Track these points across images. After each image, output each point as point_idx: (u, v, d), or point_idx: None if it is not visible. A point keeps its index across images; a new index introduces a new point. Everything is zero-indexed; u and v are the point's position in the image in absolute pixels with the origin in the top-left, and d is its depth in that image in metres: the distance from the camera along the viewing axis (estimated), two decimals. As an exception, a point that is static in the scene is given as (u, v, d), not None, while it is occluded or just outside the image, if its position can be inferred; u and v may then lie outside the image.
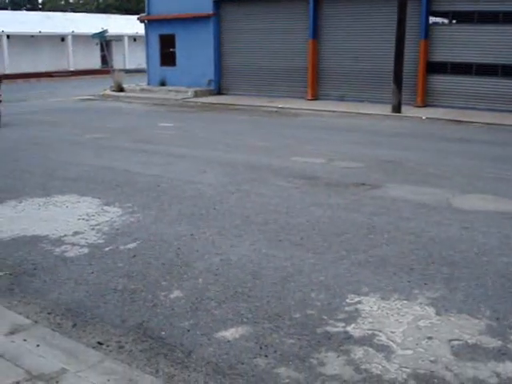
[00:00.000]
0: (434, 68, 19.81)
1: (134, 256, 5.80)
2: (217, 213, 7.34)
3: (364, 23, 20.95)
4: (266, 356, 3.95)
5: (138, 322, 4.46)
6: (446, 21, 19.97)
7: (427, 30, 19.59)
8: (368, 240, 6.27)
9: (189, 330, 4.31)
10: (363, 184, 8.92)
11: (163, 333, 4.29)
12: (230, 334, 4.26)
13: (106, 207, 7.63)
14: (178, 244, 6.13)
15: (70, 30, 46.31)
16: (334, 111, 19.17)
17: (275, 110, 20.06)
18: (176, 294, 4.93)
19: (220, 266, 5.50)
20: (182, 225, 6.84)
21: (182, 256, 5.79)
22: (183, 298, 4.84)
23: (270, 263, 5.58)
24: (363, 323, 4.38)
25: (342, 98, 21.46)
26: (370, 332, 4.24)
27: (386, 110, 18.53)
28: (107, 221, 7.02)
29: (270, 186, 8.88)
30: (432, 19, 19.68)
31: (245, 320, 4.45)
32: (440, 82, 19.78)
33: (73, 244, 6.21)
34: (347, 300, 4.77)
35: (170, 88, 25.56)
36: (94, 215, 7.26)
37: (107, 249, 6.04)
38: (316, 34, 22.04)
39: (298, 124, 17.09)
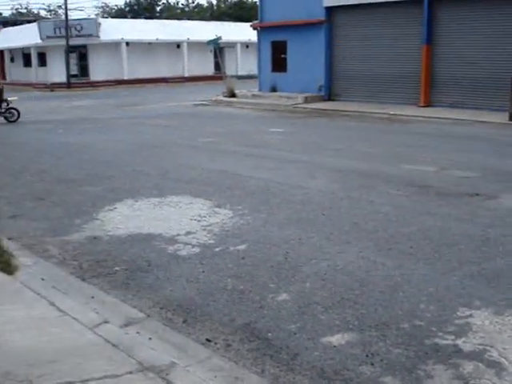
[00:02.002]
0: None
1: (243, 257, 5.92)
2: (325, 218, 7.34)
3: (483, 28, 20.15)
4: (372, 364, 3.91)
5: (246, 322, 4.54)
6: None
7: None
8: (481, 252, 6.04)
9: (295, 333, 4.35)
10: (477, 194, 8.60)
11: (270, 334, 4.35)
12: (335, 339, 4.25)
13: (217, 209, 7.84)
14: (287, 247, 6.19)
15: (185, 38, 47.86)
16: (447, 118, 18.59)
17: (386, 116, 19.75)
18: (283, 296, 4.98)
19: (327, 272, 5.50)
20: (291, 229, 6.90)
21: (290, 259, 5.84)
22: (290, 301, 4.88)
23: (378, 271, 5.51)
24: (474, 338, 4.23)
25: (455, 105, 20.77)
26: (480, 347, 4.09)
27: (503, 118, 17.73)
28: (218, 222, 7.20)
29: (379, 193, 8.77)
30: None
31: (351, 327, 4.43)
32: None
33: (185, 243, 6.42)
34: (458, 313, 4.62)
35: (281, 94, 25.79)
36: (205, 216, 7.48)
37: (217, 249, 6.20)
38: (430, 39, 21.48)
39: (410, 131, 16.72)
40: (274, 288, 5.15)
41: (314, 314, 4.64)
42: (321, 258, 5.88)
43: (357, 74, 24.15)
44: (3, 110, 19.81)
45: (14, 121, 19.66)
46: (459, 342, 4.16)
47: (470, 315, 4.57)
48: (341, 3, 23.90)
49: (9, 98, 19.99)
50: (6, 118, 19.71)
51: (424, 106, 21.59)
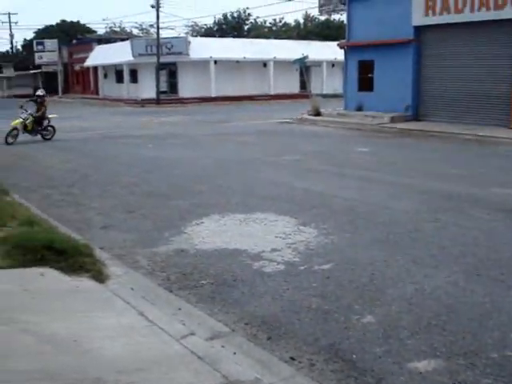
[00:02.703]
0: None
1: (328, 277, 5.90)
2: (412, 241, 7.22)
3: None
4: (461, 393, 3.80)
5: (330, 343, 4.52)
6: None
7: None
8: None
9: (380, 357, 4.29)
10: None
11: (354, 356, 4.32)
12: (422, 365, 4.17)
13: (302, 227, 7.85)
14: (372, 269, 6.12)
15: (272, 56, 48.36)
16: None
17: (474, 137, 19.17)
18: (368, 318, 4.92)
19: (414, 296, 5.40)
20: (376, 250, 6.82)
21: (376, 281, 5.77)
22: (375, 324, 4.82)
23: (466, 298, 5.36)
24: None
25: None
26: None
27: None
28: (303, 240, 7.22)
29: (467, 216, 8.53)
30: None
31: (438, 353, 4.33)
32: None
33: (270, 260, 6.47)
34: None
35: (367, 113, 25.57)
36: (290, 234, 7.51)
37: (302, 267, 6.21)
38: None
39: (499, 153, 16.20)
40: (359, 309, 5.11)
41: (400, 339, 4.56)
42: (407, 281, 5.78)
43: (444, 94, 23.66)
44: (42, 128, 19.69)
45: (49, 139, 19.61)
46: None
47: None
48: (430, 22, 23.53)
49: (49, 116, 19.94)
50: (42, 135, 19.63)
51: (516, 128, 20.83)
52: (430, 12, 23.38)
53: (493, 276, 5.93)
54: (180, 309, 5.11)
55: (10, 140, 18.55)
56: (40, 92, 20.14)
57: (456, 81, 23.10)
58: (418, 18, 23.86)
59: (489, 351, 4.34)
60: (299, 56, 33.17)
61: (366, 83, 26.70)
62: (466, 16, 22.13)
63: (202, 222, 8.20)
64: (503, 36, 21.35)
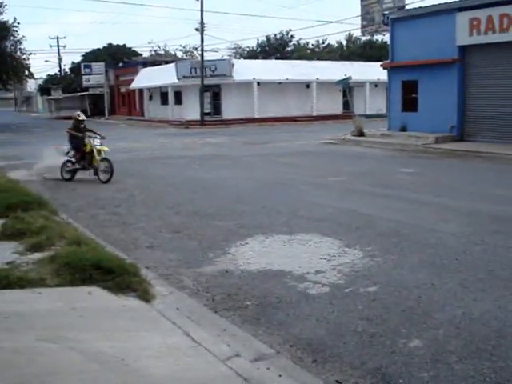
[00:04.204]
0: None
1: (374, 300, 5.84)
2: (459, 264, 7.09)
3: None
4: (512, 421, 3.71)
5: (377, 366, 4.47)
6: None
7: None
8: None
9: (427, 382, 4.23)
10: None
11: (401, 380, 4.26)
12: (471, 391, 4.09)
13: (346, 249, 7.81)
14: (419, 292, 6.04)
15: (315, 77, 48.50)
16: None
17: (522, 158, 18.82)
18: (415, 342, 4.85)
19: (462, 320, 5.30)
20: (423, 273, 6.73)
21: (423, 305, 5.69)
22: (422, 348, 4.75)
23: (516, 322, 5.24)
24: None
25: None
26: None
27: None
28: (348, 262, 7.17)
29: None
30: None
31: (488, 379, 4.24)
32: None
33: (314, 282, 6.45)
34: None
35: (411, 134, 25.36)
36: (335, 256, 7.47)
37: (347, 290, 6.17)
38: None
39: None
40: (405, 333, 5.04)
41: (448, 363, 4.48)
42: (455, 305, 5.68)
43: (490, 114, 23.32)
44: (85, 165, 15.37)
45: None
46: None
47: None
48: (475, 42, 23.30)
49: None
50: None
51: None
52: (475, 31, 23.18)
53: (544, 301, 5.79)
54: (225, 330, 5.13)
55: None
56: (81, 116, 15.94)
57: (501, 100, 22.78)
58: (463, 38, 23.66)
59: (540, 378, 4.23)
60: (342, 77, 33.24)
61: (409, 103, 26.53)
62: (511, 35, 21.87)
63: (247, 243, 8.23)
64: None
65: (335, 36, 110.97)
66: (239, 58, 64.93)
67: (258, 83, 47.13)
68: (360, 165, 18.26)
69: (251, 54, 71.88)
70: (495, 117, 23.10)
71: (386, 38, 28.26)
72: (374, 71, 41.80)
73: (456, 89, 24.28)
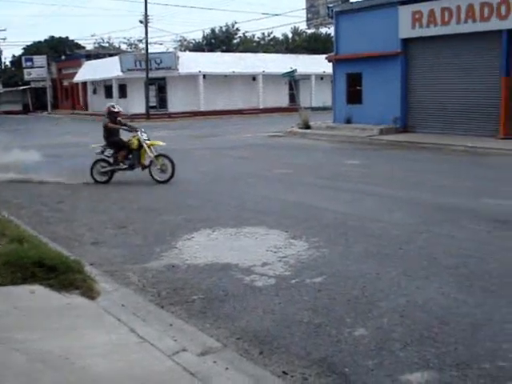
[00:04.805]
0: None
1: (320, 290, 5.89)
2: (403, 253, 7.22)
3: None
4: (454, 405, 3.80)
5: (322, 356, 4.51)
6: None
7: None
8: None
9: (372, 370, 4.28)
10: None
11: (346, 369, 4.30)
12: (414, 378, 4.16)
13: (293, 240, 7.85)
14: (364, 281, 6.12)
15: (261, 70, 48.63)
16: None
17: (463, 148, 19.30)
18: (360, 331, 4.91)
19: (406, 308, 5.40)
20: (368, 263, 6.82)
21: (367, 294, 5.76)
22: (367, 337, 4.81)
23: (458, 309, 5.36)
24: (562, 380, 4.05)
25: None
26: None
27: None
28: (294, 254, 7.21)
29: (459, 227, 8.55)
30: None
31: (431, 365, 4.32)
32: None
33: (261, 274, 6.45)
34: None
35: (356, 125, 25.71)
36: (281, 248, 7.50)
37: (293, 281, 6.20)
38: (509, 70, 20.99)
39: (489, 164, 16.30)
40: (350, 322, 5.10)
41: (392, 351, 4.55)
42: (399, 293, 5.78)
43: (433, 106, 23.84)
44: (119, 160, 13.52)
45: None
46: None
47: None
48: (417, 35, 23.76)
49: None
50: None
51: (503, 139, 21.00)
52: (417, 24, 23.63)
53: (484, 287, 5.94)
54: (171, 325, 5.08)
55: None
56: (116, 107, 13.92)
57: (444, 92, 23.31)
58: (405, 31, 24.09)
59: (481, 362, 4.34)
60: (288, 70, 33.39)
61: (354, 96, 26.88)
62: (453, 28, 22.39)
63: (193, 237, 8.18)
64: (489, 48, 21.58)
65: (281, 29, 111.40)
66: (185, 51, 64.42)
67: (204, 76, 46.99)
68: (307, 157, 18.40)
69: (197, 47, 71.42)
70: (437, 108, 23.62)
71: (331, 30, 28.54)
72: (319, 64, 42.18)
73: (399, 81, 24.72)
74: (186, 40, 75.92)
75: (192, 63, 46.37)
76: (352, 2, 28.78)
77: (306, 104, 42.05)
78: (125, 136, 13.87)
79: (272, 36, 76.10)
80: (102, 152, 13.56)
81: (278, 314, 5.32)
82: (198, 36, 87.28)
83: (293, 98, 42.61)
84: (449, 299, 5.60)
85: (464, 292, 5.79)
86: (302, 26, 62.44)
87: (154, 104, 47.08)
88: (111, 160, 13.54)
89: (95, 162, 13.62)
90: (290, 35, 75.52)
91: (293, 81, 33.57)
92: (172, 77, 46.75)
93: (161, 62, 46.04)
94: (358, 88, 26.67)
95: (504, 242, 7.75)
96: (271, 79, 48.06)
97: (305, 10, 43.27)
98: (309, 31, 66.64)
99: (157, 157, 13.12)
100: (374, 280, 6.18)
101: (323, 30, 63.69)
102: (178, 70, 46.16)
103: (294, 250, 7.36)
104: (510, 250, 7.33)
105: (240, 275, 6.45)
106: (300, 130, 27.47)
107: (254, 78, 49.76)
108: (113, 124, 13.47)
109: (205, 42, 73.67)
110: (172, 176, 12.92)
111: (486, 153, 18.36)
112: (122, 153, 13.39)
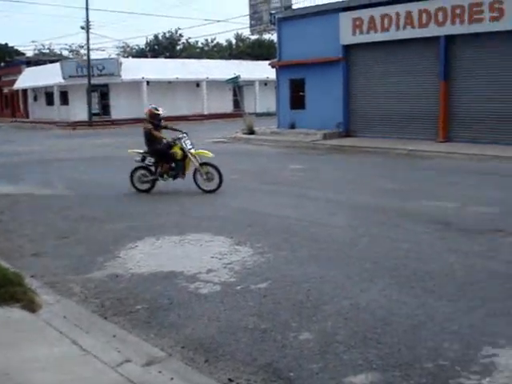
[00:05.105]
0: None
1: (265, 296, 5.91)
2: (346, 256, 7.32)
3: (497, 64, 20.27)
4: (397, 405, 3.86)
5: (268, 362, 4.52)
6: None
7: None
8: (505, 289, 5.97)
9: (317, 373, 4.31)
10: (499, 230, 8.53)
11: (292, 374, 4.32)
12: (359, 380, 4.21)
13: (237, 246, 7.85)
14: (308, 286, 6.17)
15: (205, 76, 48.55)
16: (466, 154, 18.52)
17: (404, 152, 19.73)
18: (305, 335, 4.95)
19: (349, 310, 5.47)
20: (312, 267, 6.88)
21: (312, 298, 5.81)
22: (312, 340, 4.85)
23: (400, 310, 5.47)
24: (499, 377, 4.16)
25: (474, 141, 20.72)
26: (507, 387, 4.03)
27: (525, 152, 17.67)
28: (239, 260, 7.21)
29: (400, 230, 8.73)
30: None
31: (374, 366, 4.38)
32: None
33: (206, 281, 6.43)
34: (482, 352, 4.56)
35: (300, 131, 25.94)
36: (226, 254, 7.49)
37: (239, 287, 6.20)
38: (447, 75, 21.60)
39: (429, 167, 16.69)
40: (295, 327, 5.13)
41: (337, 354, 4.60)
42: (342, 296, 5.85)
43: (374, 111, 24.29)
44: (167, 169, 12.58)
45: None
46: (484, 381, 4.11)
47: (495, 354, 4.51)
48: (358, 41, 24.18)
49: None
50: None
51: (443, 142, 21.58)
52: (358, 31, 24.04)
53: (425, 287, 6.08)
54: (115, 336, 5.00)
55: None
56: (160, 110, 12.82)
57: (385, 97, 23.79)
58: (346, 37, 24.48)
59: (423, 361, 4.43)
60: (232, 76, 33.45)
61: (298, 101, 27.13)
62: (393, 34, 22.88)
63: (137, 246, 8.08)
64: (428, 54, 22.15)
65: (225, 35, 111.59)
66: (128, 57, 63.73)
67: (148, 82, 46.57)
68: (251, 162, 18.46)
69: (140, 53, 70.81)
70: (379, 113, 24.08)
71: (274, 36, 28.71)
72: (263, 70, 42.39)
73: (341, 87, 25.09)
74: (128, 46, 75.25)
75: (135, 70, 45.90)
76: (294, 9, 29.09)
77: (251, 110, 42.21)
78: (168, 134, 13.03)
79: (216, 42, 76.28)
80: (143, 160, 12.64)
81: (224, 321, 5.31)
82: (141, 42, 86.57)
83: (237, 103, 42.66)
84: (391, 301, 5.70)
85: (405, 293, 5.91)
86: (246, 32, 62.92)
87: (97, 111, 46.38)
88: (153, 168, 12.62)
89: (135, 170, 12.73)
90: (234, 41, 75.77)
91: (237, 87, 33.68)
92: (115, 83, 46.17)
93: (103, 68, 45.39)
94: (302, 94, 26.93)
95: (443, 242, 7.95)
96: (215, 85, 48.05)
97: (248, 17, 43.50)
98: (252, 37, 67.03)
99: (201, 165, 12.34)
100: (319, 284, 6.24)
101: (267, 36, 64.13)
102: (120, 76, 45.60)
103: (239, 256, 7.36)
104: (448, 250, 7.52)
105: (185, 283, 6.41)
106: (244, 136, 27.53)
107: (197, 84, 49.64)
108: (157, 131, 12.42)
109: (148, 48, 73.14)
110: (220, 185, 12.15)
111: (427, 156, 18.82)
112: (165, 165, 12.49)
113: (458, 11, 20.86)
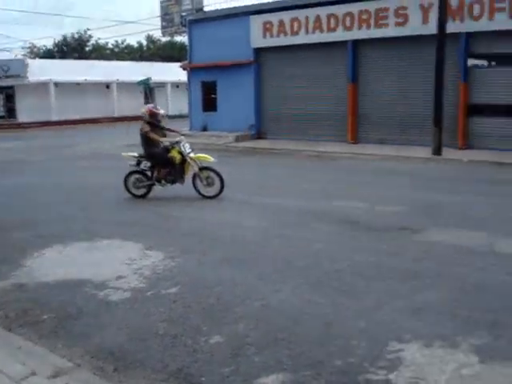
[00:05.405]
0: (475, 110, 19.71)
1: (175, 301, 5.84)
2: (258, 257, 7.36)
3: (403, 67, 21.07)
4: (307, 404, 3.90)
5: (179, 368, 4.46)
6: (485, 63, 19.96)
7: (466, 73, 19.56)
8: (410, 286, 6.18)
9: (228, 377, 4.30)
10: (405, 228, 8.83)
11: (203, 378, 4.29)
12: (270, 381, 4.23)
13: (148, 251, 7.73)
14: (220, 289, 6.15)
15: (115, 78, 47.70)
16: (374, 155, 19.12)
17: (315, 153, 20.11)
18: (216, 339, 4.93)
19: (261, 311, 5.49)
20: (224, 269, 6.87)
21: (223, 301, 5.80)
22: (223, 344, 4.83)
23: (311, 309, 5.54)
24: (405, 371, 4.29)
25: (382, 142, 21.43)
26: (412, 380, 4.15)
27: (427, 152, 18.41)
28: (149, 265, 7.10)
29: (312, 230, 8.87)
30: (471, 61, 19.67)
31: (285, 367, 4.41)
32: (481, 124, 19.64)
33: (116, 288, 6.29)
34: (389, 347, 4.68)
35: (212, 133, 25.94)
36: (136, 259, 7.36)
37: (149, 293, 6.10)
38: (355, 78, 22.22)
39: (339, 168, 17.08)
40: (206, 331, 5.09)
41: (248, 356, 4.60)
42: (254, 297, 5.87)
43: (285, 113, 24.64)
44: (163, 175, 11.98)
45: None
46: (391, 376, 4.22)
47: (401, 349, 4.64)
48: (268, 45, 24.45)
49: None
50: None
51: (352, 143, 22.17)
52: (268, 34, 24.29)
53: (335, 286, 6.19)
54: (20, 348, 4.80)
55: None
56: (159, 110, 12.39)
57: (295, 100, 24.18)
58: (257, 40, 24.71)
59: (333, 359, 4.50)
60: (143, 78, 33.03)
61: (210, 104, 27.14)
62: (302, 38, 23.28)
63: (44, 254, 7.80)
64: (337, 57, 22.70)
65: (135, 36, 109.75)
66: (35, 58, 61.64)
67: (56, 84, 45.26)
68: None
69: (47, 54, 68.62)
70: (289, 115, 24.44)
71: (186, 39, 28.56)
72: (175, 72, 42.03)
73: (253, 89, 25.29)
74: (35, 47, 72.74)
75: (42, 71, 44.44)
76: (206, 12, 29.05)
77: (164, 112, 41.73)
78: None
79: (126, 44, 75.03)
80: (138, 164, 11.97)
81: (134, 328, 5.21)
82: (48, 43, 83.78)
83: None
84: (302, 300, 5.77)
85: (317, 292, 6.00)
86: (157, 34, 62.25)
87: (2, 114, 44.62)
88: (149, 173, 11.99)
89: (129, 174, 12.04)
90: (145, 43, 74.84)
91: (148, 89, 33.28)
92: (21, 85, 44.54)
93: (8, 69, 43.70)
94: (214, 96, 26.94)
95: (352, 241, 8.15)
96: (126, 87, 47.31)
97: (159, 18, 43.06)
98: (164, 39, 66.48)
99: (201, 169, 11.75)
100: (230, 286, 6.23)
101: (178, 38, 63.74)
102: (27, 77, 44.05)
103: (149, 261, 7.25)
104: (357, 249, 7.71)
105: (94, 291, 6.24)
106: (157, 139, 27.16)
107: (107, 86, 48.73)
108: (155, 134, 11.68)
109: (56, 49, 71.02)
110: (221, 191, 11.56)
111: (336, 157, 19.26)
112: (163, 170, 11.84)
113: (364, 16, 21.50)
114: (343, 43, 22.21)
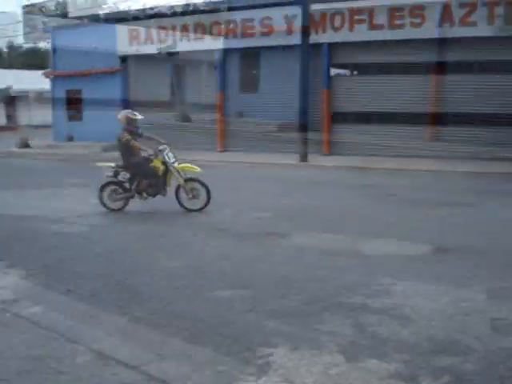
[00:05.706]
0: (338, 118, 20.51)
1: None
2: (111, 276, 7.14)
3: (271, 74, 21.58)
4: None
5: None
6: (347, 72, 20.88)
7: (329, 81, 20.31)
8: (276, 290, 6.16)
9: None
10: (271, 233, 8.92)
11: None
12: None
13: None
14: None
15: (-30, 87, 44.96)
16: (244, 162, 19.37)
17: (188, 161, 19.97)
18: None
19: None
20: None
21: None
22: None
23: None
24: (274, 376, 4.24)
25: (251, 150, 21.71)
26: (281, 385, 4.14)
27: (294, 159, 18.89)
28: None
29: (177, 238, 8.75)
30: (334, 71, 20.49)
31: None
32: (344, 131, 20.44)
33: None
34: (257, 353, 4.62)
35: (78, 143, 25.17)
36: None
37: None
38: (222, 87, 22.50)
39: (208, 175, 17.03)
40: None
41: None
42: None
43: (155, 121, 24.33)
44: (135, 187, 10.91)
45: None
46: (260, 382, 4.14)
47: (270, 354, 4.56)
48: (135, 52, 24.14)
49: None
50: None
51: (221, 151, 22.35)
52: (135, 42, 23.99)
53: (211, 295, 6.08)
54: None
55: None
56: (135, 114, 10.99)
57: (162, 109, 24.00)
58: (123, 48, 24.30)
59: (205, 369, 4.38)
60: (2, 86, 31.50)
61: (75, 113, 26.37)
62: (170, 46, 23.19)
63: None
64: (207, 65, 22.82)
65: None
66: None
67: None
68: (20, 178, 17.32)
69: None
70: (159, 124, 24.04)
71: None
72: (38, 80, 40.34)
73: (119, 96, 24.80)
74: None
75: None
76: (71, 18, 28.18)
77: (26, 122, 39.89)
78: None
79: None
80: (115, 175, 10.84)
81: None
82: None
83: (10, 117, 40.15)
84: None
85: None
86: (19, 40, 59.44)
87: None
88: (127, 185, 10.89)
89: (105, 185, 10.91)
90: (6, 50, 71.21)
91: (8, 98, 31.71)
92: None
93: None
94: (79, 105, 26.20)
95: (218, 248, 8.09)
96: (-16, 96, 44.71)
97: (22, 24, 41.18)
98: (26, 46, 63.57)
99: (186, 181, 10.78)
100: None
101: (42, 45, 61.29)
102: None
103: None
104: (223, 255, 7.63)
105: None
106: (19, 150, 26.06)
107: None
108: (138, 143, 10.65)
109: None
110: (207, 204, 10.64)
111: (207, 165, 19.13)
112: (144, 181, 10.79)
113: (231, 26, 21.79)
114: (213, 51, 22.36)
